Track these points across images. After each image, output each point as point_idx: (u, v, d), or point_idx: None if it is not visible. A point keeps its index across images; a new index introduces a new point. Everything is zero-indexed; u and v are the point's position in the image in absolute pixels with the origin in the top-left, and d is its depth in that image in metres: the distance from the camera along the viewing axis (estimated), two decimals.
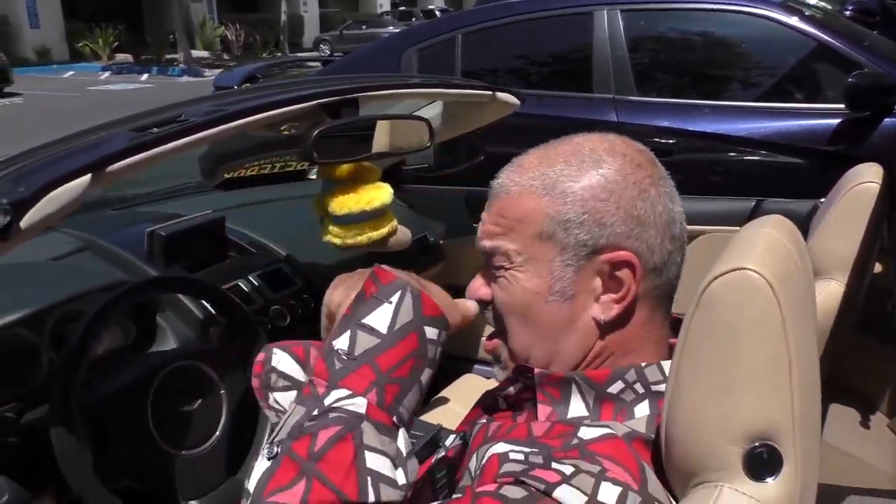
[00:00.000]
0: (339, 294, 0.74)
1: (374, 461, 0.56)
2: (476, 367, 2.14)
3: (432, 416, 1.71)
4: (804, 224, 1.56)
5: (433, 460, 0.87)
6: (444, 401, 1.85)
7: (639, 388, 0.72)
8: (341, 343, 0.63)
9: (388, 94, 1.39)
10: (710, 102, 2.96)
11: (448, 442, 0.89)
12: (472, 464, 0.71)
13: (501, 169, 0.79)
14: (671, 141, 2.88)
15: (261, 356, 0.87)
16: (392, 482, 0.56)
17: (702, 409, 0.59)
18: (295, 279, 1.61)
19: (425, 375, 0.65)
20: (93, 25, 17.27)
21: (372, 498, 0.54)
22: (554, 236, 0.73)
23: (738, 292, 0.57)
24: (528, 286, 0.74)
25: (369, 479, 0.55)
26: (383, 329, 0.64)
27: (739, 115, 2.89)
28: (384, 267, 0.69)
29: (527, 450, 0.65)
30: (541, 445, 0.66)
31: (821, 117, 2.76)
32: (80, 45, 17.20)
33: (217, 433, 1.19)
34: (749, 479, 0.58)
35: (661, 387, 0.72)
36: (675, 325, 0.78)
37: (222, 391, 1.20)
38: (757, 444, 0.58)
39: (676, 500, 0.64)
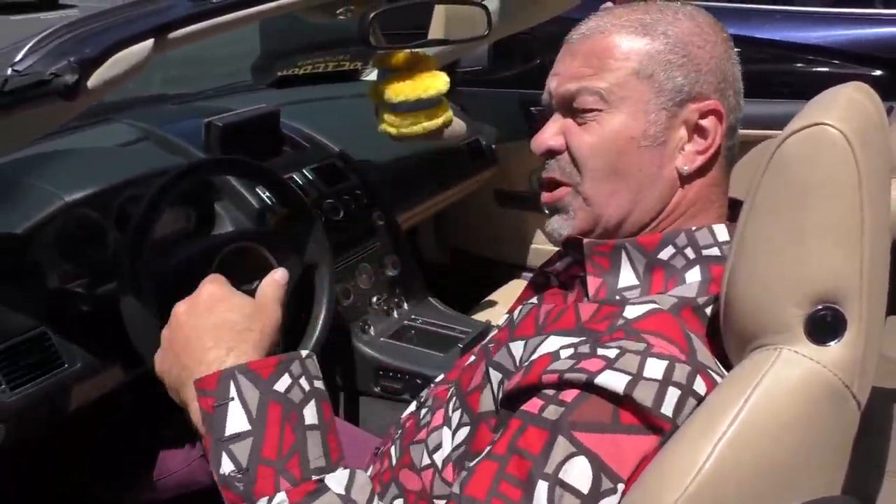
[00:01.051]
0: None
1: None
2: (524, 273, 2.15)
3: (482, 316, 1.74)
4: None
5: (487, 338, 0.88)
6: (493, 303, 1.88)
7: (689, 252, 0.72)
8: (226, 467, 0.63)
9: None
10: (780, 8, 2.80)
11: (501, 322, 0.90)
12: (519, 352, 0.71)
13: (587, 19, 0.77)
14: (737, 50, 2.75)
15: None
16: None
17: (765, 270, 0.58)
18: (349, 175, 1.62)
19: (311, 411, 0.66)
20: None
21: None
22: (653, 76, 0.72)
23: (813, 148, 0.55)
24: (623, 130, 0.72)
25: None
26: (247, 426, 0.63)
27: (812, 21, 2.73)
28: (198, 374, 0.68)
29: (575, 340, 0.66)
30: (588, 332, 0.67)
31: None
32: None
33: None
34: (810, 342, 0.57)
35: (713, 251, 0.71)
36: (733, 206, 0.77)
37: None
38: (820, 306, 0.57)
39: (730, 367, 0.64)
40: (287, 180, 1.31)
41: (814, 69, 2.73)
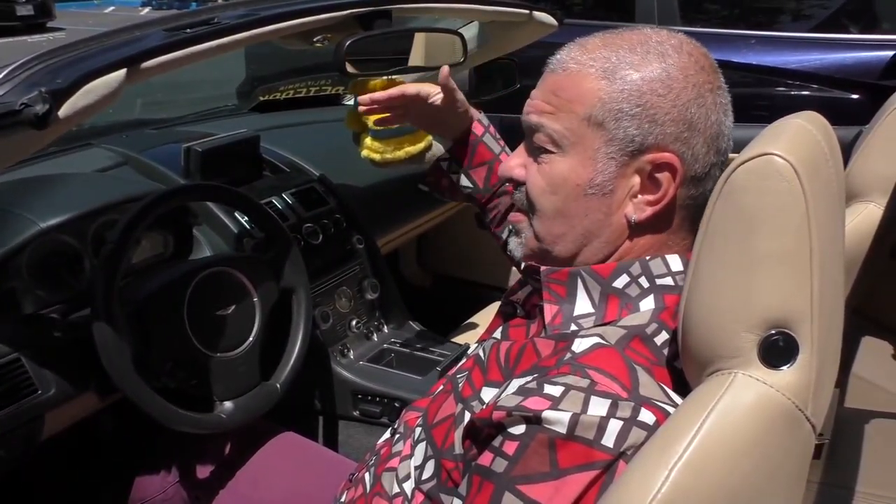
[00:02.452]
0: None
1: None
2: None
3: (462, 339, 1.75)
4: (847, 150, 1.52)
5: (455, 368, 0.89)
6: (473, 325, 1.88)
7: (643, 281, 0.72)
8: None
9: (422, 7, 1.37)
10: (757, 33, 2.85)
11: (470, 350, 0.91)
12: (488, 398, 0.73)
13: (563, 47, 0.76)
14: None
15: None
16: None
17: (719, 296, 0.59)
18: (328, 199, 1.63)
19: None
20: None
21: None
22: (604, 124, 0.71)
23: (762, 178, 0.57)
24: (570, 176, 0.73)
25: None
26: None
27: (788, 46, 2.78)
28: None
29: (529, 378, 0.68)
30: (540, 368, 0.69)
31: (875, 49, 2.64)
32: None
33: (250, 338, 1.23)
34: (763, 367, 0.58)
35: (667, 280, 0.72)
36: None
37: (255, 299, 1.24)
38: (773, 331, 0.58)
39: (688, 392, 0.65)
40: (264, 205, 1.32)
41: (793, 93, 2.78)
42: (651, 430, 0.61)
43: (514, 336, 0.80)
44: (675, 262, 0.73)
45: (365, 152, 1.38)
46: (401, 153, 1.36)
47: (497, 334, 0.83)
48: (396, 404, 1.40)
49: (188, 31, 0.93)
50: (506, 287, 2.21)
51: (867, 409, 1.24)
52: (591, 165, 0.72)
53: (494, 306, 2.02)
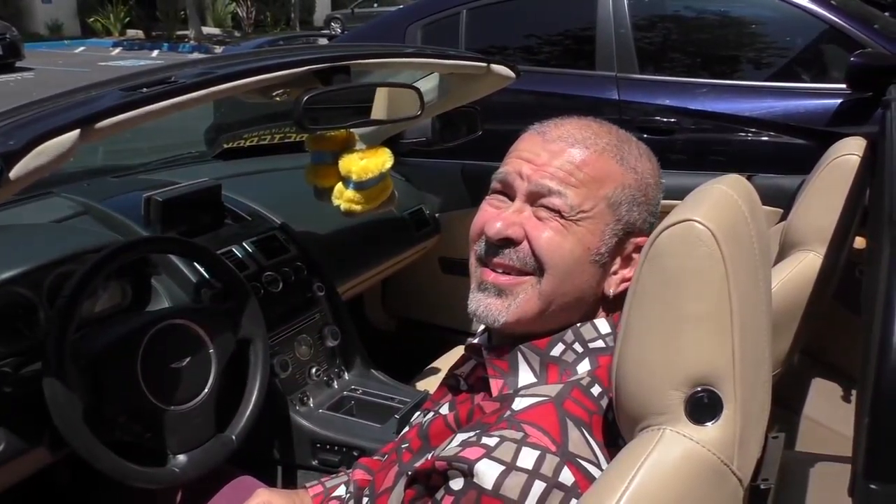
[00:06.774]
0: None
1: None
2: (469, 339, 2.17)
3: (424, 384, 1.75)
4: (792, 198, 1.58)
5: (401, 436, 0.92)
6: (436, 370, 1.89)
7: (578, 347, 0.77)
8: None
9: (380, 63, 1.40)
10: (711, 81, 2.95)
11: (413, 419, 0.93)
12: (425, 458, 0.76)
13: (550, 121, 0.80)
14: (672, 120, 2.89)
15: None
16: None
17: (648, 354, 0.62)
18: (289, 247, 1.64)
19: None
20: (105, 1, 17.25)
21: None
22: (619, 207, 0.77)
23: (683, 243, 0.60)
24: (583, 240, 0.76)
25: None
26: None
27: (741, 94, 2.88)
28: None
29: (472, 433, 0.71)
30: (482, 425, 0.72)
31: (823, 97, 2.74)
32: (91, 20, 17.19)
33: (205, 391, 1.22)
34: (690, 423, 0.61)
35: (598, 343, 0.77)
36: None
37: (211, 350, 1.24)
38: (699, 388, 0.60)
39: (616, 445, 0.67)
40: (221, 257, 1.33)
41: (744, 138, 2.87)
42: (570, 491, 0.64)
43: (460, 405, 0.83)
44: (602, 325, 0.78)
45: (346, 205, 1.41)
46: (376, 202, 1.41)
47: (443, 409, 0.85)
48: (355, 453, 1.40)
49: (144, 90, 0.95)
50: (469, 331, 2.23)
51: (816, 453, 1.27)
52: (600, 236, 0.77)
53: (458, 350, 2.03)
